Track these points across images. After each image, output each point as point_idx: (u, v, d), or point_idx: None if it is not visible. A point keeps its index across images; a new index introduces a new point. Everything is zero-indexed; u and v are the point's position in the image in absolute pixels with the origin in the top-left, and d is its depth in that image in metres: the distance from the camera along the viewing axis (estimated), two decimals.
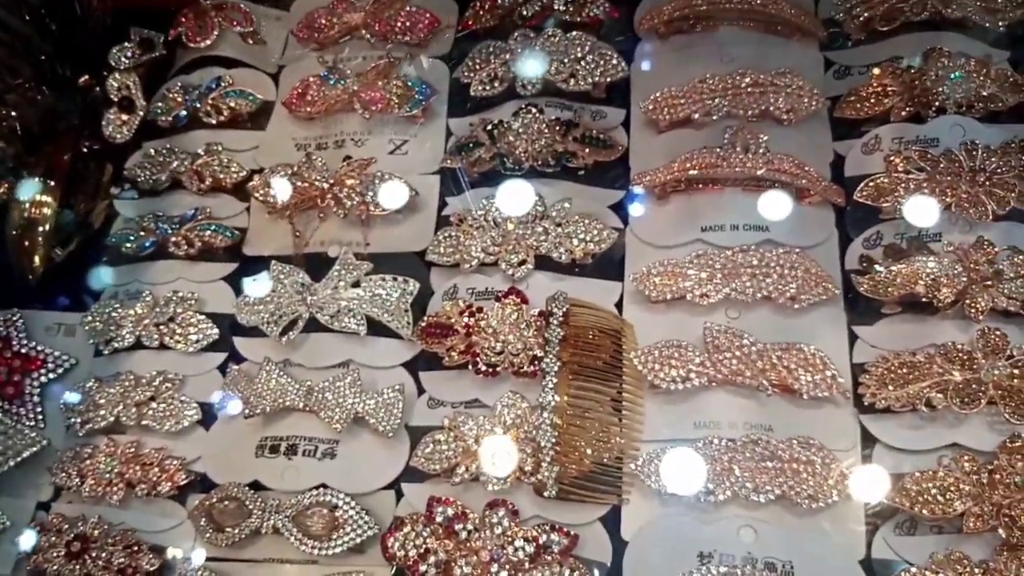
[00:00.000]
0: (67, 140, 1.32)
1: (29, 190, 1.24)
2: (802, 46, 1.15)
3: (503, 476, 0.89)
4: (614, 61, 1.15)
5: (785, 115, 1.06)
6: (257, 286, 1.08)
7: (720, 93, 1.08)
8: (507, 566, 0.84)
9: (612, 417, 0.94)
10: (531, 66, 1.14)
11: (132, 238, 1.18)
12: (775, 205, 1.02)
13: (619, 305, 1.02)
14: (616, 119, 1.15)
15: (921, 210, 0.96)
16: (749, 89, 1.08)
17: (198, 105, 1.27)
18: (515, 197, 1.06)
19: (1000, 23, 1.07)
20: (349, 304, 1.03)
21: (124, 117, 1.32)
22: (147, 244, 1.17)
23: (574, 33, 1.15)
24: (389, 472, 0.97)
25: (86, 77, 1.39)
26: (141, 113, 1.31)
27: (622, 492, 0.91)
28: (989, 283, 0.89)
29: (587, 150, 1.09)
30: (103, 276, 1.20)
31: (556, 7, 1.19)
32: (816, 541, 0.85)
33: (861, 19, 1.11)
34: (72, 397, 1.08)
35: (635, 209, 1.08)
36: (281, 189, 1.14)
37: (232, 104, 1.26)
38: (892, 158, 0.99)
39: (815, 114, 1.07)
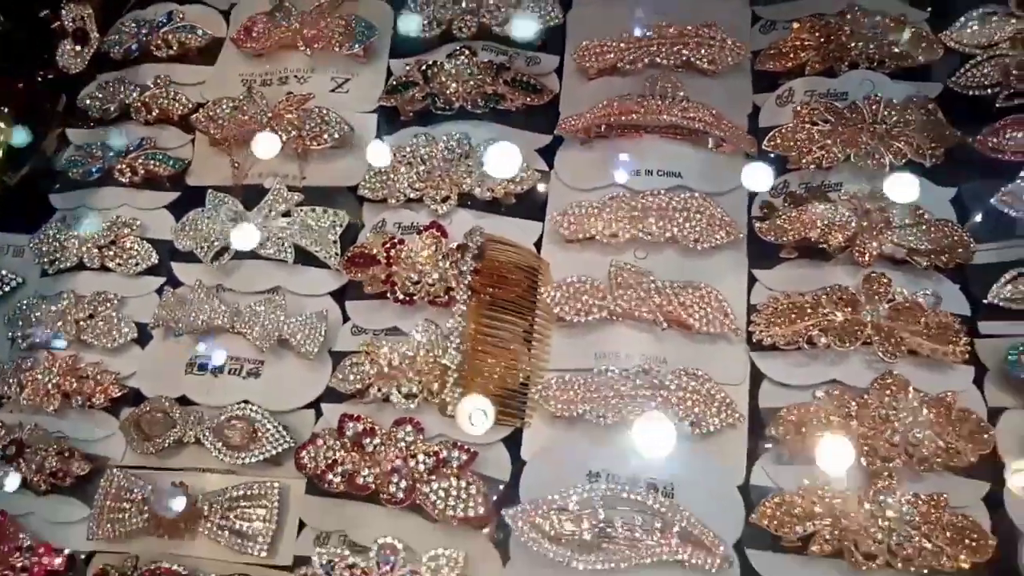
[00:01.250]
0: (22, 69, 1.36)
1: None
2: (732, 0, 1.18)
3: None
4: (549, 8, 1.18)
5: (707, 66, 1.10)
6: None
7: (645, 43, 1.12)
8: (407, 477, 0.90)
9: (522, 347, 0.99)
10: (468, 10, 1.18)
11: (80, 164, 1.22)
12: (689, 152, 1.06)
13: (539, 244, 1.07)
14: (550, 65, 1.18)
15: (824, 159, 1.00)
16: (674, 40, 1.11)
17: (149, 39, 1.30)
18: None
19: None
20: (278, 233, 1.07)
21: (78, 48, 1.35)
22: (93, 170, 1.21)
23: None
24: (310, 393, 1.03)
25: (47, 12, 1.41)
26: (95, 45, 1.34)
27: (525, 416, 0.96)
28: (878, 230, 0.94)
29: (517, 93, 1.12)
30: (52, 200, 1.25)
31: None
32: (698, 465, 0.90)
33: None
34: (15, 313, 1.13)
35: (560, 153, 1.12)
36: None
37: (182, 39, 1.29)
38: (799, 109, 1.03)
39: (737, 66, 1.11)
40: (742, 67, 1.12)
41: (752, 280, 1.00)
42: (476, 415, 0.94)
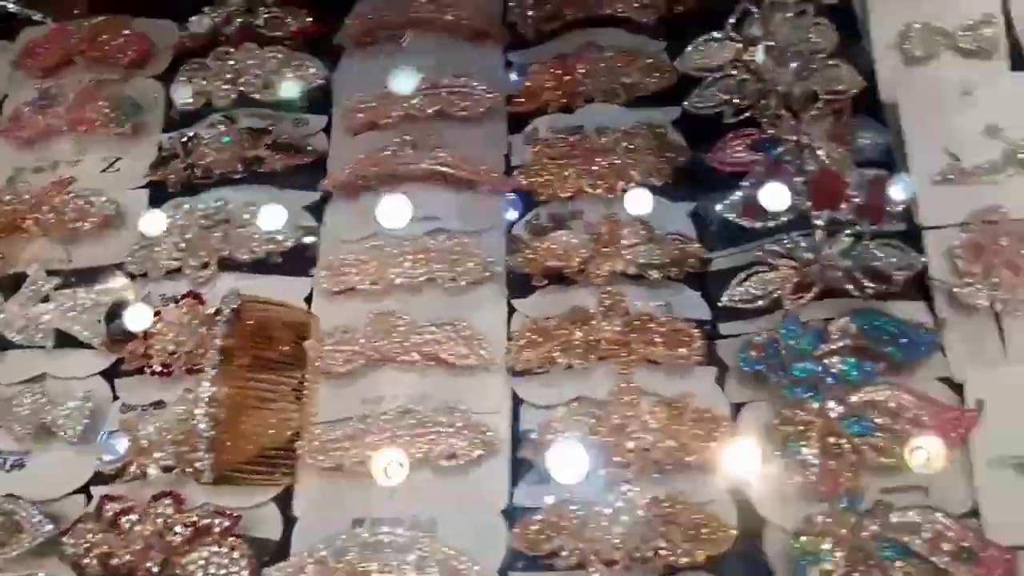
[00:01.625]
0: None
1: None
2: (486, 48, 1.24)
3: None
4: (312, 71, 1.22)
5: (462, 113, 1.15)
6: None
7: (403, 96, 1.16)
8: (162, 551, 0.88)
9: (290, 404, 0.99)
10: (228, 80, 1.20)
11: None
12: (447, 196, 1.10)
13: (310, 299, 1.08)
14: (318, 125, 1.21)
15: (563, 190, 1.05)
16: (428, 91, 1.16)
17: None
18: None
19: (651, 16, 1.19)
20: (37, 319, 1.05)
21: None
22: None
23: (268, 48, 1.22)
24: (79, 477, 1.00)
25: None
26: None
27: (294, 473, 0.96)
28: (609, 250, 0.99)
29: (278, 155, 1.15)
30: None
31: (256, 23, 1.26)
32: (460, 497, 0.91)
33: (530, 20, 1.21)
34: None
35: (329, 207, 1.14)
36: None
37: None
38: (539, 146, 1.08)
39: (492, 111, 1.16)
40: (497, 111, 1.17)
41: (512, 310, 1.03)
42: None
